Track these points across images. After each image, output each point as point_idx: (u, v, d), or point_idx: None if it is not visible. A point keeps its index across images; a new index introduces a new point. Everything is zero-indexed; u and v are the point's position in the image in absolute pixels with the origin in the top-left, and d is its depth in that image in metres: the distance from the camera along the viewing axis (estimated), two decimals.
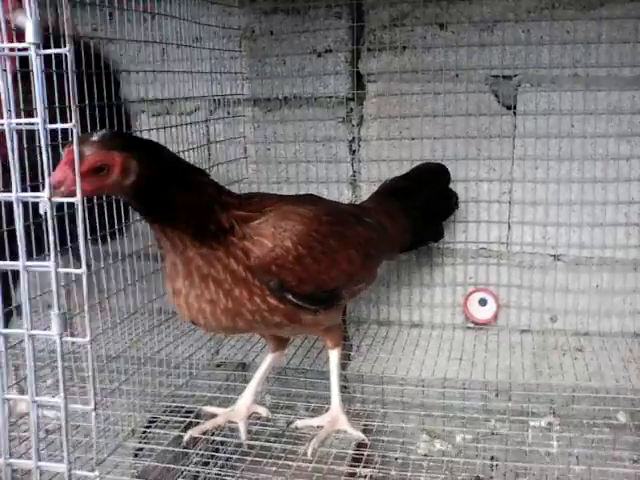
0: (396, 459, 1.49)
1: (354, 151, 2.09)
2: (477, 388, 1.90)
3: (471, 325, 2.08)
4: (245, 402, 1.62)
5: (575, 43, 1.89)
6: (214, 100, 2.06)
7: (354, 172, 2.10)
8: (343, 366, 2.07)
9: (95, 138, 1.10)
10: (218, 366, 1.99)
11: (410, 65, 1.99)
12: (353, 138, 2.08)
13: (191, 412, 1.66)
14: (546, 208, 1.98)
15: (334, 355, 1.58)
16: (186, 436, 1.53)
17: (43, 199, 0.80)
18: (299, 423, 1.58)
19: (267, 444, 1.52)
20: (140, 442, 1.54)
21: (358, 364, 1.98)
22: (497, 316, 2.05)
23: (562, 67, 1.91)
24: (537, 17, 1.90)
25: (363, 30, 2.02)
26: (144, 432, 1.58)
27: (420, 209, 1.84)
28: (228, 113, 2.09)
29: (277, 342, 1.64)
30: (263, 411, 1.63)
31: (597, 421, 1.64)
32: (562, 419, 1.72)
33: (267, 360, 1.66)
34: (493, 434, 1.67)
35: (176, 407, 1.68)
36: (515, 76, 1.95)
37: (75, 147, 0.88)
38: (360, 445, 1.53)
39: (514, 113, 1.97)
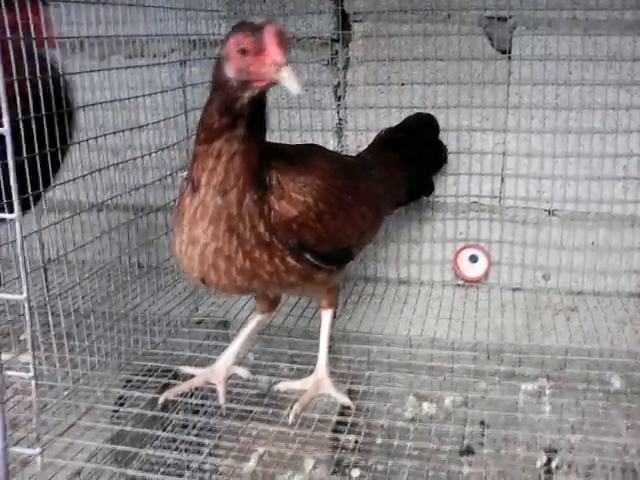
0: (382, 426, 1.45)
1: (340, 97, 2.03)
2: (467, 349, 1.85)
3: (461, 283, 2.06)
4: (225, 363, 1.58)
5: None
6: (190, 41, 1.97)
7: (340, 120, 2.05)
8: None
9: (267, 18, 1.14)
10: (198, 323, 1.94)
11: (399, 4, 1.93)
12: (338, 83, 2.02)
13: (168, 372, 1.62)
14: (541, 160, 1.95)
15: (327, 315, 1.55)
16: (161, 398, 1.49)
17: None
18: (281, 386, 1.54)
19: (247, 407, 1.48)
20: (115, 404, 1.50)
21: (344, 322, 1.95)
22: (488, 274, 2.02)
23: (560, 9, 1.87)
24: None
25: None
26: (120, 395, 1.53)
27: (414, 161, 1.80)
28: (205, 55, 2.00)
29: (269, 303, 1.60)
30: (243, 373, 1.59)
31: (591, 386, 1.63)
32: (555, 382, 1.69)
33: (254, 321, 1.62)
34: (483, 397, 1.65)
35: (152, 367, 1.64)
36: (510, 18, 1.90)
37: None
38: (345, 409, 1.50)
39: (509, 58, 1.92)
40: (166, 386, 1.55)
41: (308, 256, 1.33)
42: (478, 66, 1.92)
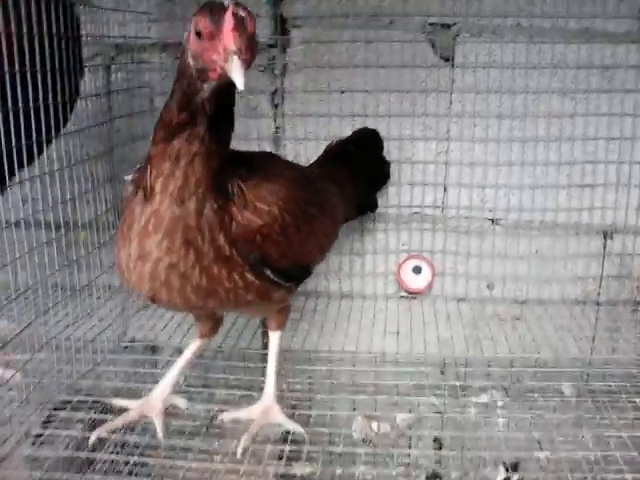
0: (340, 455, 1.39)
1: (277, 105, 1.95)
2: (414, 363, 1.81)
3: (405, 294, 2.01)
4: (161, 393, 1.46)
5: None
6: (116, 45, 1.86)
7: (277, 128, 1.96)
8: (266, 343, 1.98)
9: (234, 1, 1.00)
10: (125, 348, 1.83)
11: (340, 9, 1.86)
12: (276, 90, 1.94)
13: (96, 404, 1.50)
14: (484, 169, 1.92)
15: (276, 337, 1.47)
16: (92, 437, 1.35)
17: None
18: (225, 416, 1.44)
19: (189, 442, 1.39)
20: (33, 446, 1.37)
21: (286, 341, 1.87)
22: (432, 285, 1.98)
23: (505, 16, 1.83)
24: None
25: None
26: (39, 435, 1.40)
27: (362, 176, 1.75)
28: (132, 60, 1.89)
29: (211, 326, 1.50)
30: (182, 403, 1.48)
31: (542, 396, 1.63)
32: (505, 394, 1.68)
33: (193, 345, 1.52)
34: (437, 414, 1.62)
35: (78, 401, 1.51)
36: (454, 24, 1.85)
37: None
38: (297, 438, 1.42)
39: (452, 65, 1.87)
40: (95, 423, 1.43)
41: (268, 272, 1.24)
42: (421, 74, 1.88)
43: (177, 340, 1.82)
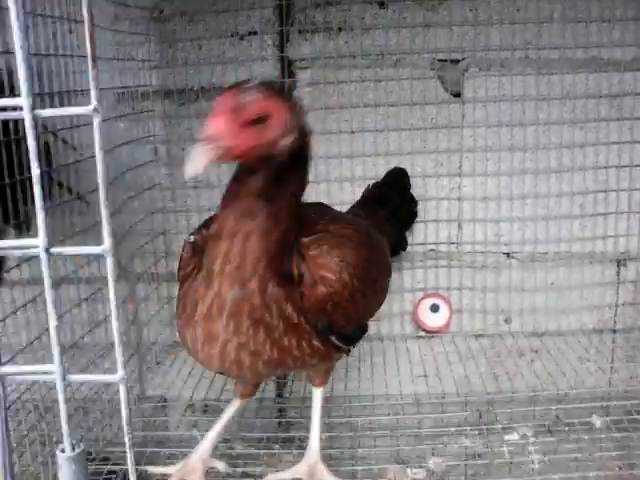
0: None
1: None
2: (438, 403, 1.82)
3: (422, 334, 1.99)
4: (201, 456, 1.41)
5: (526, 23, 1.83)
6: (116, 93, 1.80)
7: None
8: (281, 387, 1.95)
9: (252, 84, 0.98)
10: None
11: (347, 49, 1.85)
12: None
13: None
14: (498, 203, 1.92)
15: (319, 393, 1.43)
16: None
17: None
18: (270, 478, 1.40)
19: None
20: None
21: (298, 384, 1.86)
22: (449, 322, 1.97)
23: (513, 49, 1.84)
24: None
25: (292, 9, 1.84)
26: None
27: (396, 216, 1.74)
28: (133, 109, 1.84)
29: (252, 387, 1.45)
30: (221, 466, 1.43)
31: (575, 427, 1.63)
32: (535, 430, 1.68)
33: (233, 407, 1.46)
34: (473, 456, 1.62)
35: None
36: (463, 59, 1.85)
37: None
38: None
39: (462, 101, 1.87)
40: None
41: (334, 338, 1.21)
42: (431, 110, 1.87)
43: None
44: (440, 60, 1.85)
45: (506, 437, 1.67)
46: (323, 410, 1.45)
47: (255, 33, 1.85)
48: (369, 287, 1.27)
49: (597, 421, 1.71)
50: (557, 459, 1.54)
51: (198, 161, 0.92)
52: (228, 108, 0.94)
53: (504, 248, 1.95)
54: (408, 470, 1.64)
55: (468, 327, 1.99)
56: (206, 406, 1.82)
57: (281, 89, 1.04)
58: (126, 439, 0.58)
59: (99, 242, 0.54)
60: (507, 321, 1.99)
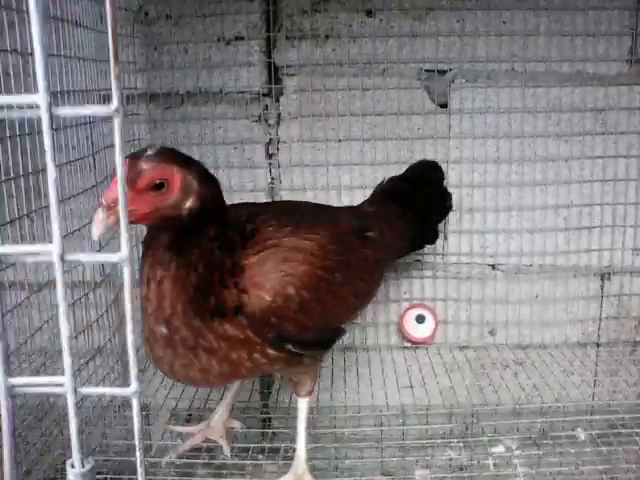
0: None
1: (272, 155, 1.92)
2: (424, 414, 1.81)
3: (408, 345, 1.99)
4: (221, 417, 1.62)
5: (512, 35, 1.86)
6: (100, 96, 1.79)
7: (272, 179, 1.93)
8: (266, 397, 1.94)
9: (151, 152, 1.05)
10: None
11: (334, 57, 1.86)
12: (270, 140, 1.91)
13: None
14: (484, 214, 1.94)
15: (304, 404, 1.45)
16: (164, 460, 1.50)
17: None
18: None
19: None
20: None
21: (283, 395, 1.85)
22: (435, 333, 1.97)
23: (500, 61, 1.87)
24: (472, 5, 1.85)
25: (279, 15, 1.85)
26: None
27: (418, 212, 1.72)
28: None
29: None
30: (238, 425, 1.65)
31: (560, 440, 1.64)
32: (519, 443, 1.69)
33: None
34: (459, 469, 1.62)
35: None
36: (449, 70, 1.87)
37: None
38: None
39: (448, 112, 1.89)
40: None
41: (290, 347, 1.24)
42: (418, 120, 1.89)
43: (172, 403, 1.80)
44: (427, 70, 1.87)
45: (492, 449, 1.67)
46: (308, 421, 1.47)
47: (242, 38, 1.86)
48: (329, 295, 1.30)
49: (581, 434, 1.73)
50: (542, 472, 1.55)
51: (98, 226, 0.99)
52: (126, 176, 0.98)
53: (489, 260, 1.96)
54: None
55: (453, 338, 2.00)
56: (189, 415, 1.79)
57: (179, 156, 1.10)
58: (137, 454, 0.56)
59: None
60: (492, 333, 2.00)
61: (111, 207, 0.98)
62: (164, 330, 1.13)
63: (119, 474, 1.46)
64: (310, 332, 1.27)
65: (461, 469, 1.66)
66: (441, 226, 1.92)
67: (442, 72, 1.87)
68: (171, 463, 1.53)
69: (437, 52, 1.85)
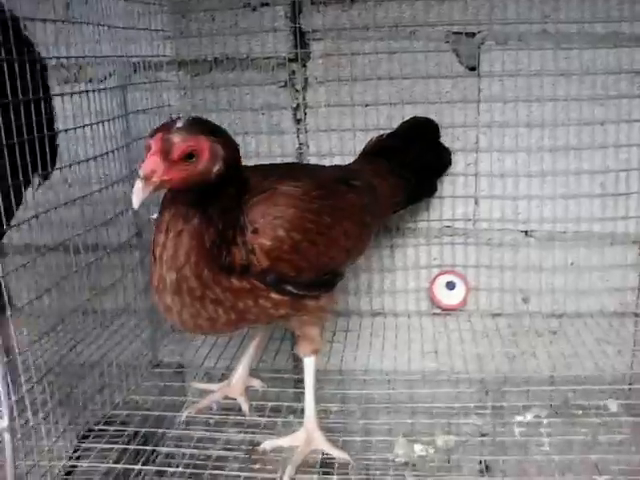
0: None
1: (299, 120, 2.00)
2: (451, 382, 1.86)
3: (438, 311, 2.04)
4: (240, 375, 1.72)
5: None
6: (131, 63, 1.89)
7: (300, 145, 2.02)
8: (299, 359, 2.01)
9: (180, 124, 1.18)
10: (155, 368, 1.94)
11: (360, 21, 1.93)
12: (298, 105, 1.99)
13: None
14: (516, 180, 1.97)
15: (311, 362, 1.54)
16: (183, 415, 1.63)
17: None
18: (267, 445, 1.52)
19: (232, 473, 1.43)
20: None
21: (319, 362, 1.91)
22: (466, 300, 2.01)
23: (530, 22, 1.89)
24: None
25: None
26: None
27: (411, 167, 1.83)
28: (148, 79, 1.92)
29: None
30: (258, 384, 1.75)
31: (588, 411, 1.67)
32: (548, 412, 1.70)
33: (260, 331, 1.72)
34: (482, 435, 1.65)
35: (115, 429, 1.59)
36: (478, 33, 1.91)
37: None
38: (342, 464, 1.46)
39: (478, 75, 1.91)
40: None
41: (290, 288, 1.35)
42: (446, 84, 1.93)
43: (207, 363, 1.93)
44: (455, 33, 1.91)
45: (518, 417, 1.70)
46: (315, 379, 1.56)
47: (267, 4, 1.94)
48: (320, 236, 1.40)
49: (613, 404, 1.73)
50: (569, 441, 1.56)
51: (137, 196, 1.13)
52: (159, 149, 1.14)
53: (522, 226, 1.99)
54: (415, 446, 1.69)
55: (485, 306, 2.05)
56: (222, 374, 1.88)
57: (206, 125, 1.23)
58: None
59: None
60: (525, 301, 2.03)
61: (148, 177, 1.13)
62: (174, 277, 1.25)
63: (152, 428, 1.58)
64: (307, 273, 1.38)
65: (484, 435, 1.68)
66: (472, 190, 1.98)
67: (471, 34, 1.91)
68: (204, 422, 1.64)
69: (466, 14, 1.89)
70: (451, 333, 1.99)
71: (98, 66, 1.86)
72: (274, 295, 1.34)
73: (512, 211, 1.98)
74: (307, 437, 1.48)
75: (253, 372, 1.77)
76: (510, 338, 2.00)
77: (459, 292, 2.01)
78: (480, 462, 1.64)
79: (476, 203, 1.99)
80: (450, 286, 2.01)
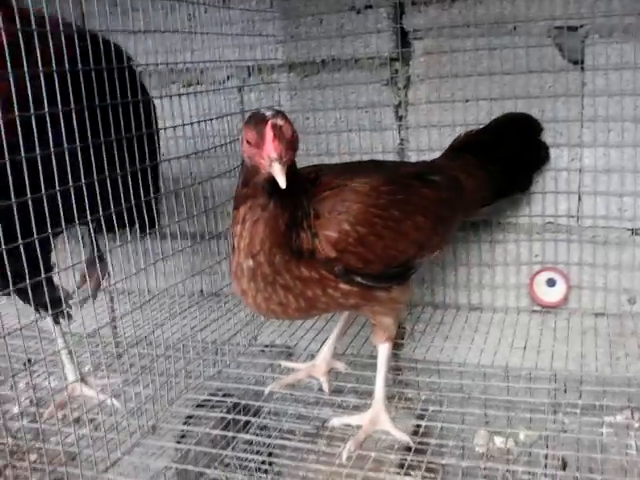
0: (443, 466, 1.49)
1: (401, 117, 2.10)
2: (544, 379, 1.88)
3: (538, 308, 2.07)
4: (324, 357, 1.84)
5: None
6: (247, 67, 2.09)
7: (401, 140, 2.12)
8: (399, 347, 2.13)
9: (271, 112, 1.30)
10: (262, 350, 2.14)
11: (461, 19, 1.99)
12: (399, 102, 2.10)
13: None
14: (621, 176, 1.95)
15: (385, 348, 1.63)
16: (267, 389, 1.77)
17: None
18: (335, 422, 1.63)
19: (300, 445, 1.57)
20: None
21: (410, 351, 2.02)
22: (567, 298, 2.02)
23: (637, 14, 1.86)
24: None
25: None
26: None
27: (500, 162, 1.89)
28: (262, 80, 2.11)
29: None
30: (341, 366, 1.85)
31: None
32: None
33: (343, 315, 1.83)
34: (565, 432, 1.66)
35: (217, 400, 1.78)
36: (582, 27, 1.91)
37: None
38: (407, 449, 1.54)
39: (582, 68, 1.93)
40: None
41: (359, 279, 1.46)
42: (548, 78, 1.95)
43: (306, 344, 2.08)
44: (557, 27, 1.92)
45: (608, 418, 1.69)
46: (388, 364, 1.64)
47: (371, 6, 2.05)
48: (387, 230, 1.48)
49: None
50: None
51: (282, 175, 1.25)
52: (276, 135, 1.26)
53: (628, 224, 1.97)
54: (496, 438, 1.74)
55: (587, 305, 2.04)
56: (312, 356, 2.00)
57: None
58: None
59: None
60: (630, 301, 2.00)
61: (282, 158, 1.25)
62: (250, 263, 1.39)
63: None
64: (375, 265, 1.47)
65: (566, 432, 1.69)
66: (575, 186, 1.98)
67: (573, 28, 1.91)
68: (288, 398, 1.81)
69: (568, 8, 1.90)
70: (549, 331, 2.00)
71: (217, 70, 2.08)
72: (343, 285, 1.45)
73: (617, 208, 1.96)
74: (373, 417, 1.57)
75: (338, 355, 1.89)
76: (612, 339, 1.97)
77: (559, 290, 2.02)
78: (559, 459, 1.68)
79: (580, 199, 1.99)
80: (550, 283, 2.02)
